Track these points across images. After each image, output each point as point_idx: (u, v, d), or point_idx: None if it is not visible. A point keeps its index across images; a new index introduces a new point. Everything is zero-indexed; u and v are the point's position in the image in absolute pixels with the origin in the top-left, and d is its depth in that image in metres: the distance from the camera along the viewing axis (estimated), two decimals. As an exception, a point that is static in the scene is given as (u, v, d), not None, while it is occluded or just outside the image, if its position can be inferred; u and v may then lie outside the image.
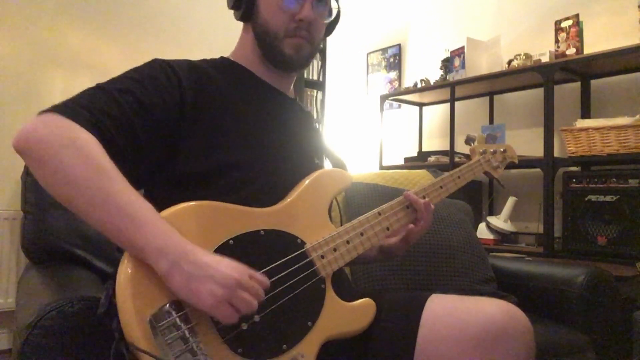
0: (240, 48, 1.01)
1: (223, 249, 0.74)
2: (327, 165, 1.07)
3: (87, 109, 0.74)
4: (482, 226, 2.51)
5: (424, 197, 1.03)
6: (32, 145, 0.70)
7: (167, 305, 0.66)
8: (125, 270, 0.67)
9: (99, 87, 0.80)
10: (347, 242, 0.90)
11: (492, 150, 1.27)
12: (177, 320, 0.66)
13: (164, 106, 0.81)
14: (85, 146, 0.70)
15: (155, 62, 0.87)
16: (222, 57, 1.00)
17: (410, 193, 1.01)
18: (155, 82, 0.83)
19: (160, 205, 0.72)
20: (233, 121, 0.88)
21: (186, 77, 0.86)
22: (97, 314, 0.68)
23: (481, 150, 1.26)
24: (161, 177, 0.85)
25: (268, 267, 0.77)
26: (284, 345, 0.76)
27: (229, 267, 0.67)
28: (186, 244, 0.68)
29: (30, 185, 1.34)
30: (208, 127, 0.85)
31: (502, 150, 1.28)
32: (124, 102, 0.78)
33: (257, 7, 0.94)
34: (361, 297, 0.91)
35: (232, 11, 0.99)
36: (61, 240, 1.27)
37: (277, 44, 0.93)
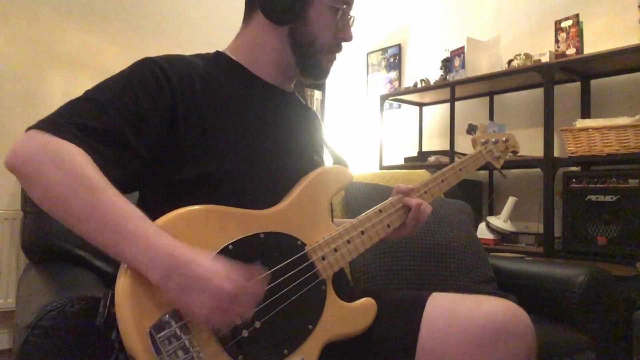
0: (243, 46, 0.96)
1: (223, 255, 0.73)
2: (328, 161, 1.06)
3: (74, 123, 0.73)
4: (482, 226, 2.51)
5: (425, 192, 1.05)
6: (20, 164, 0.70)
7: (167, 315, 0.66)
8: (124, 280, 0.66)
9: (87, 98, 0.78)
10: (348, 241, 0.89)
11: (493, 140, 1.24)
12: (177, 330, 0.65)
13: (156, 112, 0.79)
14: (69, 160, 0.69)
15: (144, 63, 0.84)
16: (217, 52, 0.97)
17: (407, 197, 1.01)
18: (145, 86, 0.80)
19: (155, 213, 0.71)
20: (226, 122, 0.86)
21: (177, 78, 0.83)
22: (96, 325, 0.67)
23: (483, 141, 1.23)
24: (156, 184, 0.84)
25: (268, 272, 0.77)
26: (285, 350, 0.76)
27: (223, 279, 0.65)
28: (175, 251, 0.66)
29: (30, 185, 1.33)
30: (200, 131, 0.83)
31: (504, 139, 1.25)
32: (114, 112, 0.76)
33: (306, 17, 0.91)
34: (360, 296, 0.90)
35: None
36: (61, 240, 1.27)
37: (318, 57, 0.95)
